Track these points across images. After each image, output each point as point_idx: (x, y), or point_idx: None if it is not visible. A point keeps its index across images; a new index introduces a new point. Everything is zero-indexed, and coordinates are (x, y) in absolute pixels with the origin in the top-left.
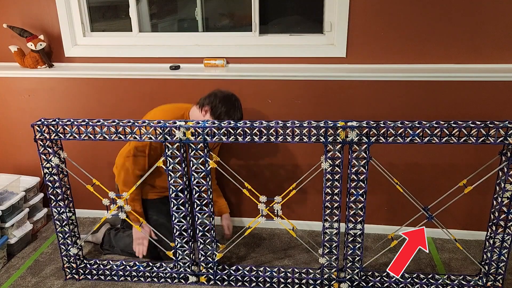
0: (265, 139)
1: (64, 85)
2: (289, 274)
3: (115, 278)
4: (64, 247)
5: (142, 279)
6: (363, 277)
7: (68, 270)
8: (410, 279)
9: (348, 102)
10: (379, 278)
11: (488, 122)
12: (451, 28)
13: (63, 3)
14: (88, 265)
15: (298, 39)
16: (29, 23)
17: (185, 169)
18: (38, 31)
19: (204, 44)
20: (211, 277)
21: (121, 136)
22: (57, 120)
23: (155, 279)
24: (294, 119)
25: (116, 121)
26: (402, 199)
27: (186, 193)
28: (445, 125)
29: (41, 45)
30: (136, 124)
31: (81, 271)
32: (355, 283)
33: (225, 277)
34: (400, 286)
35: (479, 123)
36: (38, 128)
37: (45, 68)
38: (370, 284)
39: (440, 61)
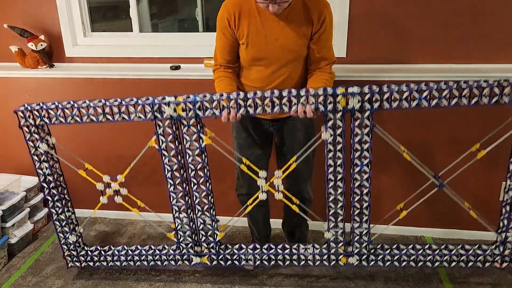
0: (260, 110)
1: (65, 85)
2: (294, 251)
3: (117, 263)
4: (62, 235)
5: (145, 263)
6: (372, 250)
7: (69, 258)
8: (421, 250)
9: None
10: (389, 250)
11: (502, 80)
12: (452, 28)
13: (63, 3)
14: (89, 252)
15: None
16: (30, 23)
17: (179, 147)
18: (39, 31)
19: (205, 44)
20: (214, 257)
21: (109, 117)
22: (41, 104)
23: (158, 262)
24: None
25: (103, 101)
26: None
27: (182, 172)
28: (454, 86)
29: (41, 45)
30: (123, 103)
31: (83, 258)
32: (364, 257)
33: (228, 257)
34: (412, 258)
35: (491, 82)
36: (21, 114)
37: (46, 68)
38: (380, 258)
39: (441, 61)
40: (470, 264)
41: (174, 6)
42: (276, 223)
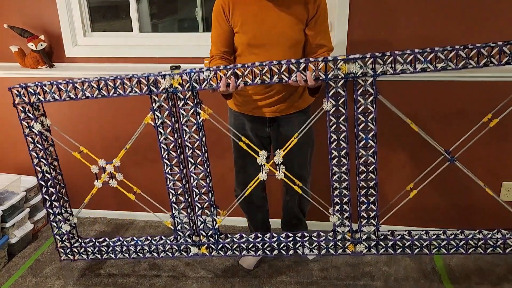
0: (258, 81)
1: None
2: (298, 239)
3: (112, 255)
4: (55, 224)
5: (141, 255)
6: (382, 237)
7: (62, 251)
8: (435, 236)
9: None
10: (399, 237)
11: None
12: (452, 28)
13: (63, 3)
14: (83, 244)
15: None
16: (30, 23)
17: (176, 125)
18: (39, 31)
19: (205, 44)
20: (213, 246)
21: (104, 93)
22: (36, 82)
23: (155, 254)
24: None
25: (98, 77)
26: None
27: (179, 152)
28: (461, 47)
29: (41, 45)
30: (119, 77)
31: (76, 250)
32: (372, 244)
33: (228, 246)
34: (425, 244)
35: (501, 42)
36: (16, 92)
37: (46, 68)
38: (390, 244)
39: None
40: (490, 250)
41: (174, 6)
42: (276, 223)
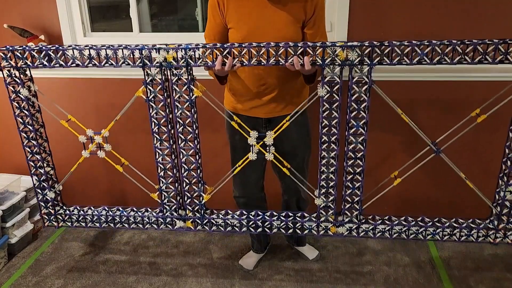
0: (255, 62)
1: (64, 85)
2: (282, 218)
3: (97, 224)
4: (40, 191)
5: (126, 225)
6: (363, 221)
7: (46, 217)
8: (414, 222)
9: None
10: (380, 221)
11: (508, 39)
12: (452, 28)
13: (63, 3)
14: (67, 211)
15: None
16: (30, 23)
17: (168, 100)
18: (39, 31)
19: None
20: (198, 221)
21: (95, 62)
22: (23, 46)
23: (140, 225)
24: None
25: (89, 45)
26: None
27: (170, 127)
28: (458, 42)
29: (41, 45)
30: (112, 47)
31: (60, 218)
32: (354, 227)
33: (214, 222)
34: (404, 229)
35: (497, 40)
36: (3, 55)
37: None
38: (370, 228)
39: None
40: (463, 238)
41: (174, 6)
42: None
